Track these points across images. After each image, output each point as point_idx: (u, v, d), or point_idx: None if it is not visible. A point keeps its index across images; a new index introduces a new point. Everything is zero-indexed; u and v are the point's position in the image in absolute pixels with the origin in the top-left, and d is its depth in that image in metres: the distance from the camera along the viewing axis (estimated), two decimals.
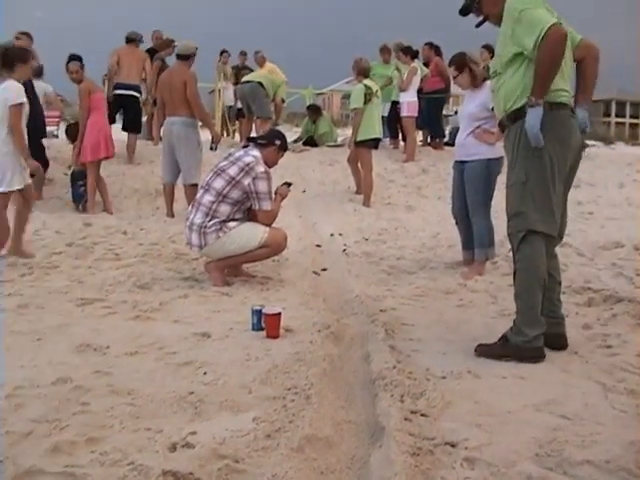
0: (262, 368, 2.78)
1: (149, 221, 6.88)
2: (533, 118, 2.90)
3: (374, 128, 7.73)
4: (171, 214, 7.08)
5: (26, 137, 4.82)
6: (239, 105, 10.60)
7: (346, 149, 8.42)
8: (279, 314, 3.29)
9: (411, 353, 3.10)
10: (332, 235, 6.51)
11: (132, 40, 8.90)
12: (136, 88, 8.85)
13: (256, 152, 4.44)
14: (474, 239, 4.96)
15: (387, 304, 4.07)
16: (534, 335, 3.00)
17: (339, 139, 11.65)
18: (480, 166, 4.79)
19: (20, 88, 4.72)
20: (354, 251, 5.84)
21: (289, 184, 4.77)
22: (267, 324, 3.29)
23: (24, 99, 4.73)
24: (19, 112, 4.69)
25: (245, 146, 4.61)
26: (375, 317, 3.67)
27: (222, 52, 12.34)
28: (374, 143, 7.87)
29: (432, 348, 3.20)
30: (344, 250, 5.87)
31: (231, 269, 4.61)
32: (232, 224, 4.33)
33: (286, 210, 4.70)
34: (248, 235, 4.33)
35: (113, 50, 8.82)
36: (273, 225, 4.49)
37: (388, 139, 10.71)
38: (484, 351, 3.06)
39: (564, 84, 3.00)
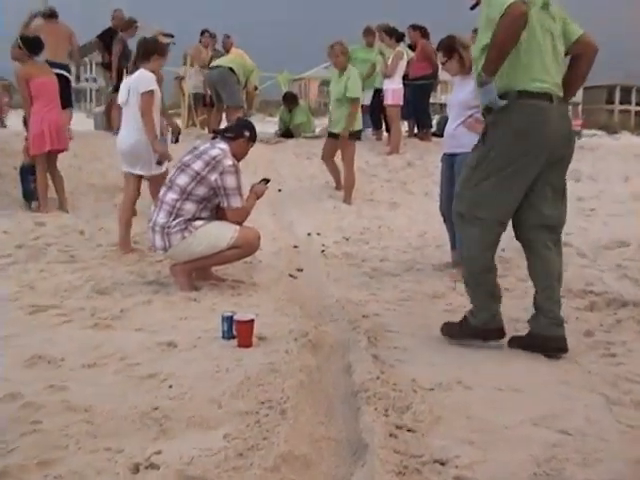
0: (233, 380, 2.76)
1: (108, 220, 6.81)
2: (483, 97, 3.14)
3: (359, 118, 7.81)
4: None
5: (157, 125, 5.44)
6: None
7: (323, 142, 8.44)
8: (252, 321, 3.27)
9: (396, 363, 3.11)
10: (309, 235, 6.52)
11: (52, 16, 8.66)
12: (64, 67, 8.56)
13: (223, 145, 4.42)
14: None
15: (370, 309, 4.08)
16: (484, 319, 3.34)
17: (317, 129, 11.67)
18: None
19: (152, 77, 5.37)
20: (334, 252, 5.85)
21: (267, 181, 4.76)
22: (239, 332, 3.28)
23: (155, 86, 5.38)
24: (150, 99, 5.32)
25: (213, 138, 4.60)
26: (357, 324, 3.67)
27: (202, 32, 11.66)
28: (359, 135, 7.96)
29: (419, 357, 3.21)
30: (323, 251, 5.88)
31: (199, 272, 4.59)
32: (198, 223, 4.32)
33: (259, 207, 4.69)
34: (216, 235, 4.32)
35: (32, 29, 8.28)
36: (245, 224, 4.48)
37: (370, 130, 10.74)
38: (447, 330, 3.46)
39: (542, 73, 3.15)
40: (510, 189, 3.22)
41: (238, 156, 4.49)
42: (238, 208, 4.37)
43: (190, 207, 4.31)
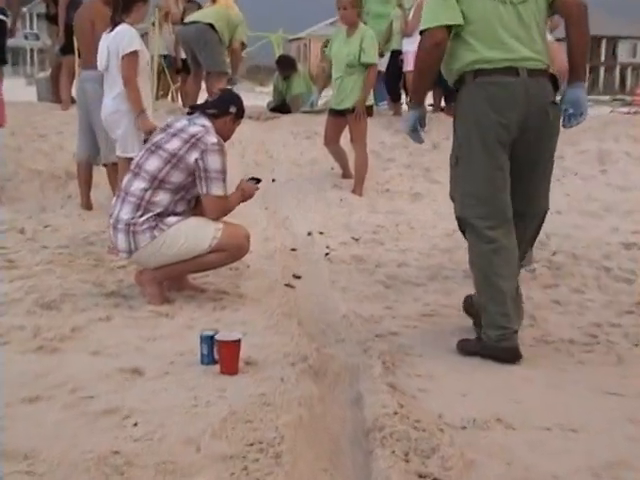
0: (215, 416, 2.75)
1: (57, 215, 6.83)
2: (409, 120, 3.87)
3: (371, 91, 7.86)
4: (88, 205, 7.07)
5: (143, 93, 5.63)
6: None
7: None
8: (238, 342, 3.27)
9: (418, 394, 3.11)
10: (310, 234, 6.55)
11: None
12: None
13: (205, 121, 4.43)
14: None
15: (385, 327, 4.09)
16: (496, 335, 3.55)
17: (319, 102, 11.66)
18: None
19: (135, 34, 5.49)
20: (340, 255, 5.87)
21: (257, 180, 4.76)
22: (221, 355, 3.27)
23: (139, 46, 5.48)
24: (133, 62, 5.45)
25: (190, 113, 4.61)
26: (369, 345, 3.68)
27: None
28: (371, 110, 7.99)
29: (447, 387, 3.21)
30: (327, 254, 5.90)
31: (172, 281, 4.61)
32: (172, 219, 4.32)
33: (248, 201, 4.70)
34: (195, 234, 4.32)
35: None
36: (230, 220, 4.49)
37: (386, 103, 10.73)
38: (461, 346, 3.71)
39: (500, 48, 3.56)
40: (491, 179, 3.61)
41: (223, 136, 4.48)
42: (219, 196, 4.36)
43: (162, 199, 4.31)
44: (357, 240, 6.44)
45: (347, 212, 7.43)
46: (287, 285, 5.00)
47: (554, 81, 3.67)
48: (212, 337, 3.34)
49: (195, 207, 4.49)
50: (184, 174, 4.31)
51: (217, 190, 4.34)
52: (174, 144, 4.32)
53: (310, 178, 8.53)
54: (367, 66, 7.55)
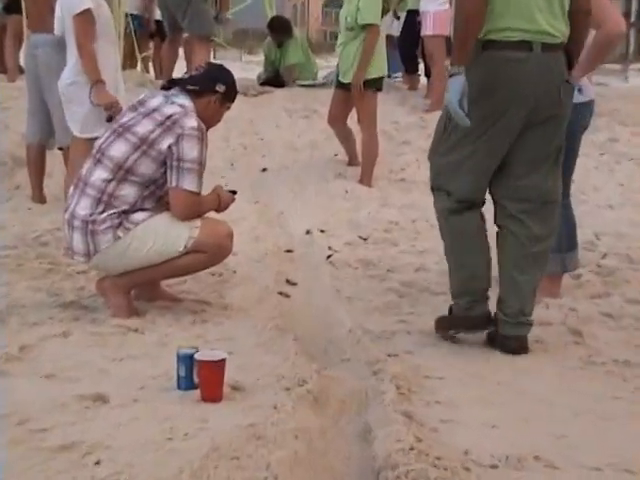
0: (194, 452, 2.74)
1: (2, 209, 6.82)
2: (452, 91, 3.77)
3: (383, 61, 7.85)
4: (40, 197, 7.08)
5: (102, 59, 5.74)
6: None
7: (330, 93, 8.41)
8: (222, 362, 3.26)
9: (439, 426, 3.11)
10: (309, 233, 6.57)
11: None
12: None
13: (185, 100, 4.41)
14: None
15: (399, 344, 4.11)
16: (463, 302, 4.12)
17: (320, 74, 11.66)
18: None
19: None
20: (345, 258, 5.88)
21: (234, 192, 4.75)
22: (203, 378, 3.27)
23: (92, 4, 5.53)
24: (86, 23, 5.56)
25: (165, 88, 4.61)
26: (380, 366, 3.68)
27: None
28: (381, 84, 7.98)
29: (474, 417, 3.21)
30: (329, 257, 5.91)
31: (142, 289, 4.62)
32: (139, 216, 4.31)
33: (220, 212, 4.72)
34: (167, 233, 4.31)
35: None
36: (209, 216, 4.51)
37: (400, 74, 10.74)
38: (438, 325, 4.25)
39: (519, 20, 3.77)
40: (478, 159, 3.97)
41: (206, 120, 4.44)
42: (191, 192, 4.34)
43: (128, 194, 4.30)
44: (365, 240, 6.45)
45: (353, 206, 7.44)
46: (281, 294, 5.01)
47: (568, 57, 3.90)
48: (191, 356, 3.33)
49: (167, 204, 4.45)
50: (155, 164, 4.30)
51: (189, 184, 4.31)
52: (145, 126, 4.30)
53: (309, 165, 8.54)
54: (365, 28, 7.54)
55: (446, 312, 4.30)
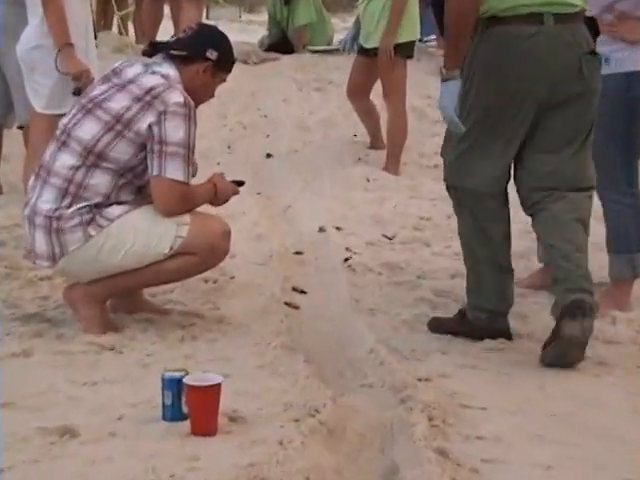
0: None
1: None
2: (445, 96, 4.09)
3: (415, 22, 7.89)
4: None
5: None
6: None
7: (349, 60, 8.40)
8: (217, 387, 3.25)
9: (481, 466, 3.09)
10: (322, 230, 6.54)
11: None
12: None
13: (169, 68, 4.38)
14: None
15: (432, 367, 4.08)
16: (485, 311, 4.38)
17: (336, 37, 11.64)
18: (610, 87, 4.81)
19: None
20: (366, 262, 5.86)
21: (240, 183, 4.70)
22: (193, 407, 3.26)
23: None
24: None
25: (146, 54, 4.58)
26: (408, 393, 3.65)
27: None
28: (412, 50, 7.97)
29: (523, 455, 3.19)
30: (347, 260, 5.89)
31: (120, 299, 4.62)
32: (115, 210, 4.29)
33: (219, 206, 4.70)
34: (149, 231, 4.29)
35: None
36: (202, 211, 4.49)
37: (434, 38, 10.73)
38: (436, 326, 4.55)
39: None
40: (492, 149, 4.21)
41: (195, 94, 4.42)
42: (177, 182, 4.29)
43: (100, 183, 4.28)
44: (391, 239, 6.42)
45: (377, 198, 7.41)
46: (288, 305, 4.98)
47: (592, 25, 4.07)
48: (179, 381, 3.32)
49: (149, 196, 4.44)
50: (133, 148, 4.27)
51: (175, 172, 4.27)
52: (120, 102, 4.28)
53: (322, 149, 8.57)
54: None
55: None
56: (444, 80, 4.12)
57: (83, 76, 5.58)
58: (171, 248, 4.27)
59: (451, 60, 4.12)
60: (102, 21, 11.74)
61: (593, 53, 4.09)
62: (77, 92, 5.46)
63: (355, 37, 8.30)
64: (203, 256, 4.37)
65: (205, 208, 4.53)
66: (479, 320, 4.39)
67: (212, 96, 4.65)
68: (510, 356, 4.28)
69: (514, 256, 4.70)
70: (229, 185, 4.62)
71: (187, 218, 4.33)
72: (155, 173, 4.26)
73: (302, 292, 5.23)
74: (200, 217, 4.41)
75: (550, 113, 4.08)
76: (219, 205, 4.63)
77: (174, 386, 3.32)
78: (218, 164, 7.41)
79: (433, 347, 4.39)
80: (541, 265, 5.31)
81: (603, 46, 4.72)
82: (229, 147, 8.54)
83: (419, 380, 3.84)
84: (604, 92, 4.70)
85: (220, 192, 4.55)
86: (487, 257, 4.41)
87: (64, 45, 5.59)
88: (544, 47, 3.97)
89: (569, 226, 4.17)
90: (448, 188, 4.50)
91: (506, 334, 4.40)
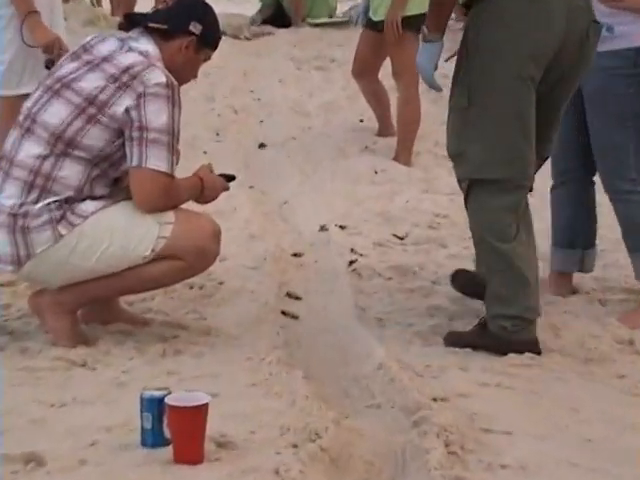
0: None
1: None
2: (425, 57, 4.48)
3: None
4: None
5: None
6: None
7: (355, 35, 8.41)
8: (203, 408, 3.24)
9: None
10: (323, 230, 6.59)
11: None
12: None
13: (147, 44, 4.39)
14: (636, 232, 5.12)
15: (449, 385, 4.07)
16: (511, 319, 4.44)
17: (340, 9, 11.65)
18: (621, 64, 4.95)
19: None
20: (374, 265, 5.90)
21: (231, 178, 4.70)
22: (176, 431, 3.24)
23: None
24: None
25: (122, 28, 4.63)
26: (423, 414, 3.63)
27: None
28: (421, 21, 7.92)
29: None
30: (352, 263, 5.93)
31: (93, 308, 4.64)
32: (88, 206, 4.30)
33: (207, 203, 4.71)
34: (127, 231, 4.30)
35: None
36: (187, 207, 4.50)
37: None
38: (454, 340, 4.61)
39: None
40: (520, 129, 4.39)
41: (178, 73, 4.41)
42: (159, 173, 4.28)
43: (71, 173, 4.28)
44: (402, 239, 6.45)
45: (386, 193, 7.45)
46: (285, 314, 5.02)
47: None
48: (160, 401, 3.30)
49: (127, 190, 4.42)
50: (108, 134, 4.28)
51: (157, 161, 4.26)
52: (92, 82, 4.28)
53: (324, 136, 8.57)
54: None
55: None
56: (425, 41, 4.49)
57: (55, 46, 5.58)
58: (153, 250, 4.28)
59: (434, 23, 4.52)
60: None
61: (595, 22, 4.35)
62: (50, 65, 5.43)
63: (368, 10, 8.32)
64: (189, 260, 4.37)
65: (190, 205, 4.55)
66: (503, 331, 4.45)
67: (195, 76, 4.66)
68: (539, 373, 4.28)
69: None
70: (218, 180, 4.63)
71: (171, 216, 4.33)
72: (134, 163, 4.25)
73: (297, 298, 5.27)
74: (186, 215, 4.42)
75: (552, 81, 4.35)
76: (206, 203, 4.65)
77: (154, 407, 3.30)
78: (205, 153, 7.41)
79: (450, 362, 4.37)
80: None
81: (603, 18, 4.79)
82: (217, 134, 8.54)
83: (434, 400, 3.81)
84: (614, 70, 4.97)
85: (208, 187, 4.55)
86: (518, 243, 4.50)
87: (28, 13, 5.58)
88: (557, 9, 4.22)
89: None
90: (470, 185, 4.52)
91: (534, 347, 4.45)
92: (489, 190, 4.44)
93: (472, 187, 4.50)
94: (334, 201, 7.13)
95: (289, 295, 5.30)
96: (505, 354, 4.39)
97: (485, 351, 4.46)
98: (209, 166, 4.68)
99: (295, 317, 5.00)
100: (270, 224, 6.70)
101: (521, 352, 4.39)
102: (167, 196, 4.34)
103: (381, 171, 7.81)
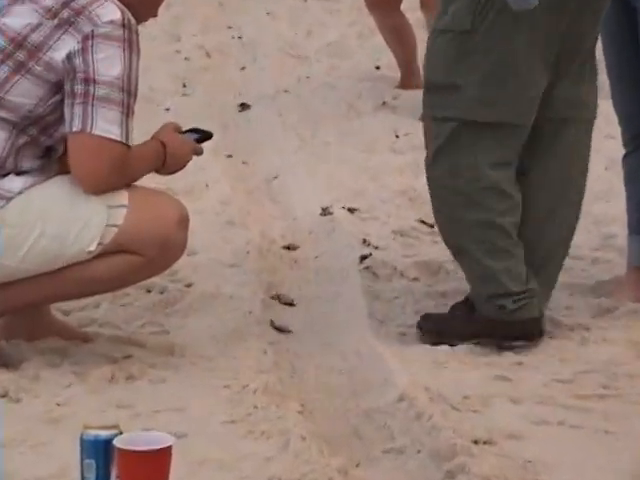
0: None
1: None
2: None
3: None
4: None
5: None
6: None
7: None
8: (165, 453, 3.24)
9: None
10: (326, 213, 6.61)
11: None
12: None
13: None
14: None
15: (495, 422, 4.08)
16: (513, 296, 4.80)
17: None
18: None
19: None
20: (394, 261, 5.93)
21: (204, 137, 4.70)
22: None
23: None
24: None
25: None
26: (459, 462, 3.64)
27: None
28: None
29: None
30: (364, 258, 5.94)
31: (19, 319, 4.65)
32: (14, 184, 4.32)
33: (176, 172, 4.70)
34: (65, 215, 4.32)
35: None
36: (142, 185, 4.52)
37: None
38: (430, 328, 4.94)
39: None
40: (520, 66, 4.69)
41: (133, 7, 4.42)
42: (109, 140, 4.28)
43: None
44: (433, 227, 6.38)
45: (410, 164, 7.44)
46: (275, 327, 5.04)
47: None
48: (107, 443, 3.29)
49: (65, 163, 4.45)
50: (42, 89, 4.29)
51: (107, 125, 4.26)
52: (22, 18, 4.30)
53: (328, 89, 8.61)
54: None
55: None
56: None
57: None
58: (100, 243, 4.28)
59: None
60: None
61: None
62: None
63: None
64: (148, 254, 4.37)
65: (151, 180, 4.54)
66: (502, 311, 4.84)
67: (156, 14, 4.68)
68: (616, 406, 4.26)
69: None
70: (186, 142, 4.62)
71: (124, 197, 4.33)
72: (76, 128, 4.24)
73: (291, 305, 5.30)
74: (144, 195, 4.42)
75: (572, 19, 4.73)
76: (171, 173, 4.67)
77: (100, 451, 3.29)
78: (167, 111, 7.43)
79: (497, 391, 4.37)
80: None
81: None
82: (184, 86, 8.60)
83: (475, 443, 3.82)
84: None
85: (173, 153, 4.53)
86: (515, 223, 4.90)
87: None
88: None
89: None
90: (456, 128, 4.80)
91: (538, 329, 4.90)
92: (480, 136, 4.78)
93: (458, 131, 4.77)
94: (341, 175, 7.15)
95: (280, 301, 5.31)
96: (504, 340, 4.80)
97: (472, 340, 4.83)
98: (174, 126, 4.67)
99: (288, 331, 5.02)
100: (255, 206, 6.72)
101: (528, 338, 4.83)
102: (119, 172, 4.32)
103: (404, 135, 7.82)
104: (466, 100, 4.73)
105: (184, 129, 4.72)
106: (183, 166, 4.63)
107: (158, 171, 4.56)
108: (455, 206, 4.91)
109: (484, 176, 4.80)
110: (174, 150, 4.53)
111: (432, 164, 4.93)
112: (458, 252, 5.04)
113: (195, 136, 4.70)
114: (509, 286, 4.81)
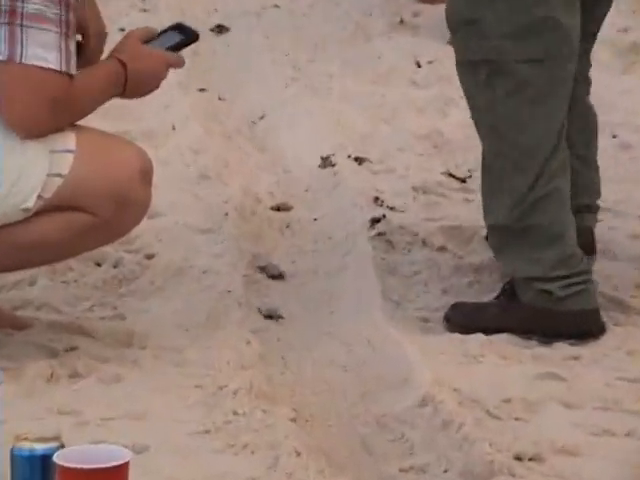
0: None
1: None
2: None
3: None
4: None
5: None
6: None
7: None
8: (120, 470, 3.21)
9: None
10: (328, 164, 6.61)
11: None
12: None
13: None
14: None
15: (543, 432, 4.07)
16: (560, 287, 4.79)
17: None
18: None
19: None
20: (413, 226, 5.91)
21: (185, 41, 4.65)
22: None
23: None
24: None
25: None
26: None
27: None
28: None
29: None
30: (376, 222, 5.90)
31: None
32: None
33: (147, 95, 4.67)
34: None
35: None
36: (92, 126, 4.48)
37: None
38: (460, 321, 4.93)
39: None
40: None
41: None
42: (45, 71, 4.25)
43: None
44: (464, 181, 6.50)
45: (435, 100, 7.51)
46: (261, 311, 5.04)
47: None
48: (44, 458, 3.29)
49: None
50: None
51: (42, 52, 4.23)
52: None
53: (328, 2, 8.56)
54: None
55: None
56: None
57: None
58: (39, 197, 4.27)
59: None
60: None
61: None
62: None
63: None
64: (100, 214, 4.35)
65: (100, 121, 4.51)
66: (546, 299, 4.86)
67: None
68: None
69: None
70: (155, 55, 4.55)
71: (71, 140, 4.31)
72: (2, 57, 4.22)
73: (279, 277, 5.30)
74: (96, 138, 4.42)
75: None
76: (139, 96, 4.64)
77: (35, 467, 3.30)
78: (121, 31, 7.40)
79: (546, 392, 4.35)
80: None
81: None
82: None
83: (519, 459, 3.82)
84: None
85: (137, 72, 4.47)
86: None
87: None
88: None
89: None
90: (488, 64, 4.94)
91: (597, 324, 4.89)
92: (514, 77, 4.92)
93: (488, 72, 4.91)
94: (346, 115, 7.14)
95: (267, 275, 5.29)
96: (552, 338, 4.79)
97: (509, 333, 4.82)
98: (140, 33, 4.61)
99: (277, 315, 5.00)
100: (235, 154, 6.71)
101: (581, 337, 4.79)
102: (61, 109, 4.29)
103: (427, 63, 7.84)
104: (486, 35, 4.92)
105: (162, 29, 4.64)
106: (156, 86, 4.57)
107: (124, 94, 4.51)
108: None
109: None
110: (139, 67, 4.47)
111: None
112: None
113: (173, 40, 4.62)
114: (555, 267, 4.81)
